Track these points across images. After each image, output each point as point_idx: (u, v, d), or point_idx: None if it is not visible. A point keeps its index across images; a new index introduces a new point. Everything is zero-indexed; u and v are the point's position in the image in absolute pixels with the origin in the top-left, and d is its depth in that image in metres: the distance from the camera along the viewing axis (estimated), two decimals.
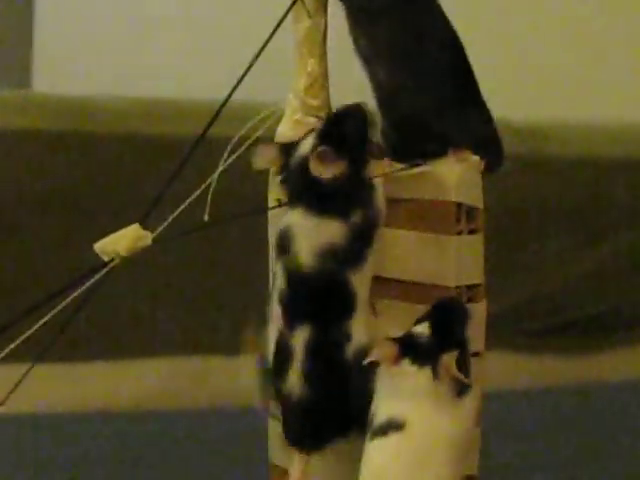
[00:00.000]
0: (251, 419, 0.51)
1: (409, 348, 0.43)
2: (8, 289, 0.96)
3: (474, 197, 0.46)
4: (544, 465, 0.80)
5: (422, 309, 0.46)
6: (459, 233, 0.46)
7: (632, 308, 1.18)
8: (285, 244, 0.45)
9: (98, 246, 0.40)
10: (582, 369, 1.14)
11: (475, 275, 0.47)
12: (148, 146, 1.01)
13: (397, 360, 0.43)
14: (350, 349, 0.44)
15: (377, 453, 0.44)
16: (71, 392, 0.95)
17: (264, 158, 0.46)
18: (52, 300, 0.39)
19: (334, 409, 0.44)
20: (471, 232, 0.47)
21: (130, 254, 0.40)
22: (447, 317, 0.44)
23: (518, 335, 1.11)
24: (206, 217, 0.45)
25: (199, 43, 1.77)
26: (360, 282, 0.45)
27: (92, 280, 0.39)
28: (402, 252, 0.47)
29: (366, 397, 0.44)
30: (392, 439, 0.43)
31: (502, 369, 1.03)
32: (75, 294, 0.38)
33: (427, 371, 0.42)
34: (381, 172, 0.45)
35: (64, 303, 0.38)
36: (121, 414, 0.92)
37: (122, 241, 0.40)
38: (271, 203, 0.49)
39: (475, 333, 0.46)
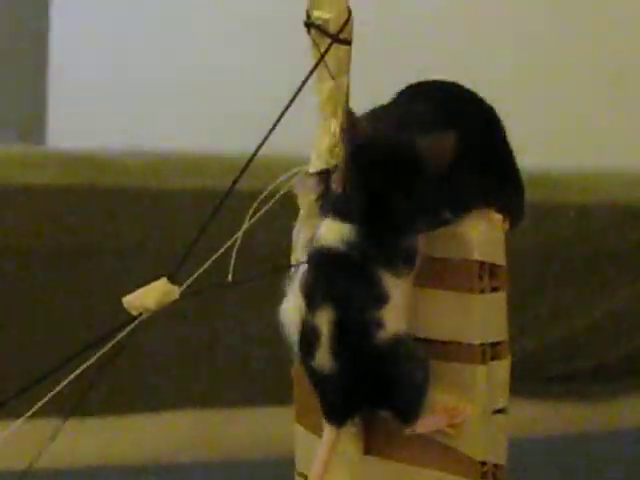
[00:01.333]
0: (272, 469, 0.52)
1: None
2: (25, 345, 0.97)
3: (497, 255, 0.47)
4: None
5: (447, 367, 0.46)
6: (482, 291, 0.46)
7: None
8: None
9: (126, 300, 0.40)
10: (600, 415, 1.16)
11: (499, 332, 0.47)
12: (162, 200, 1.03)
13: None
14: (383, 335, 0.44)
15: None
16: (90, 446, 0.96)
17: (305, 187, 0.48)
18: (79, 355, 0.39)
19: (363, 386, 0.45)
20: (494, 289, 0.47)
21: (158, 308, 0.41)
22: None
23: (535, 382, 1.12)
24: (230, 277, 0.45)
25: (218, 99, 1.81)
26: (395, 286, 0.45)
27: (121, 334, 0.39)
28: (425, 310, 0.47)
29: (402, 383, 0.45)
30: None
31: (520, 417, 1.02)
32: (104, 350, 0.39)
33: None
34: None
35: (93, 359, 0.39)
36: (142, 467, 0.93)
37: (150, 295, 0.40)
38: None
39: (499, 390, 0.47)
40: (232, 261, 0.46)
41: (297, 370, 0.49)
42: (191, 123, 1.78)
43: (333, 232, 0.44)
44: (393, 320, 0.45)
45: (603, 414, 1.18)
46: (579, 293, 1.19)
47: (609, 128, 1.52)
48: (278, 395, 0.53)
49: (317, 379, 0.45)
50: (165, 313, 0.42)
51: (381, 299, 0.44)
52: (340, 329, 0.44)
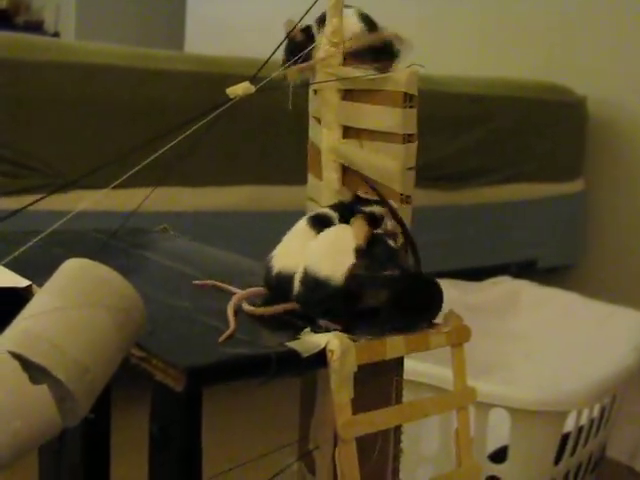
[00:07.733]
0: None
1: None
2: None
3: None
4: None
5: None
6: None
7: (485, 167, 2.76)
8: None
9: (228, 90, 0.84)
10: (464, 198, 2.69)
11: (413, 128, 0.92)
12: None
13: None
14: None
15: (313, 243, 0.83)
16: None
17: None
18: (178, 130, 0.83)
19: None
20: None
21: (244, 95, 0.85)
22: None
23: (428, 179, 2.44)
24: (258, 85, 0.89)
25: None
26: None
27: (221, 109, 0.84)
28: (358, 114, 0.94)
29: None
30: (321, 235, 0.85)
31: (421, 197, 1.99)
32: (207, 120, 0.83)
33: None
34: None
35: (194, 128, 0.82)
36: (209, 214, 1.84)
37: (240, 88, 0.84)
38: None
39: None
40: (270, 77, 0.91)
41: (310, 144, 0.95)
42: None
43: None
44: None
45: (468, 196, 2.70)
46: (450, 136, 2.63)
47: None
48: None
49: None
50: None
51: None
52: None
